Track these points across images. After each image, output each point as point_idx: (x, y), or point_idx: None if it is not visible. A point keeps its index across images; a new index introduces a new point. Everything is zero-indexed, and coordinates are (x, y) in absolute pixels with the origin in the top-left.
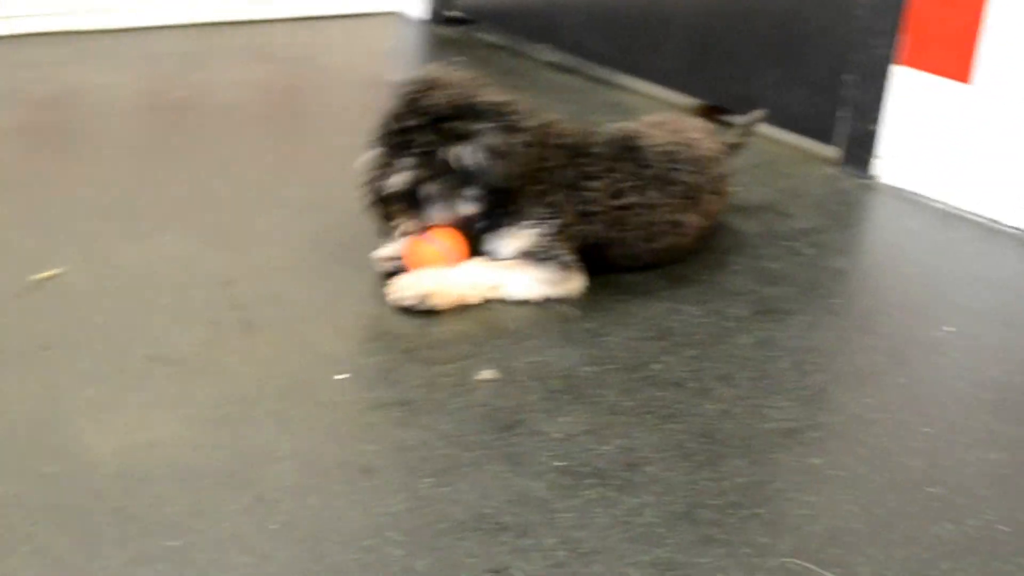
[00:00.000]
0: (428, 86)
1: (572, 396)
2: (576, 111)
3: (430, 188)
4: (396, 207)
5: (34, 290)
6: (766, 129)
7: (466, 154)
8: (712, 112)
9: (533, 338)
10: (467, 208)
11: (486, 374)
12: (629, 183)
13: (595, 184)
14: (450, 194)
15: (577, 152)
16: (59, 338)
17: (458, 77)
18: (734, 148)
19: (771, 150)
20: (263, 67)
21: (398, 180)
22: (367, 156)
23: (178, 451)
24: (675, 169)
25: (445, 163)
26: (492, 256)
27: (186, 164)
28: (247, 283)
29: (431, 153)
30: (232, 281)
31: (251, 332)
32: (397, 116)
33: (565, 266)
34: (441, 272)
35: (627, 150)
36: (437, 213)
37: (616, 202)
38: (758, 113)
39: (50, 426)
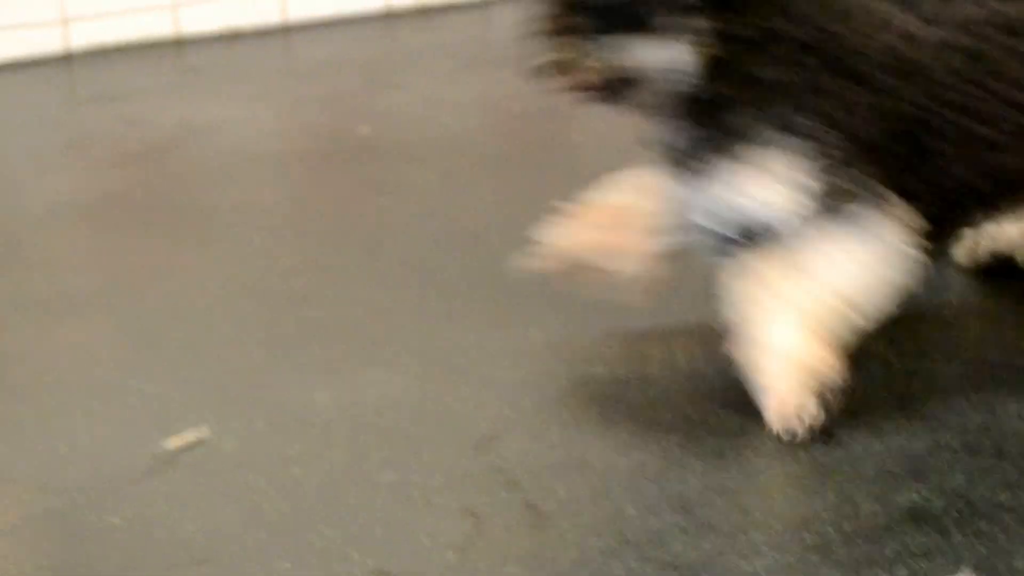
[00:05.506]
0: None
1: None
2: None
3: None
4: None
5: (168, 464)
6: None
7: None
8: None
9: None
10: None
11: None
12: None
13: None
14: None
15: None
16: (217, 545)
17: None
18: None
19: None
20: (498, 77)
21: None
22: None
23: None
24: None
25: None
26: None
27: (393, 247)
28: (518, 440)
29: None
30: (493, 438)
31: (539, 524)
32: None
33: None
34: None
35: None
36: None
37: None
38: None
39: None
